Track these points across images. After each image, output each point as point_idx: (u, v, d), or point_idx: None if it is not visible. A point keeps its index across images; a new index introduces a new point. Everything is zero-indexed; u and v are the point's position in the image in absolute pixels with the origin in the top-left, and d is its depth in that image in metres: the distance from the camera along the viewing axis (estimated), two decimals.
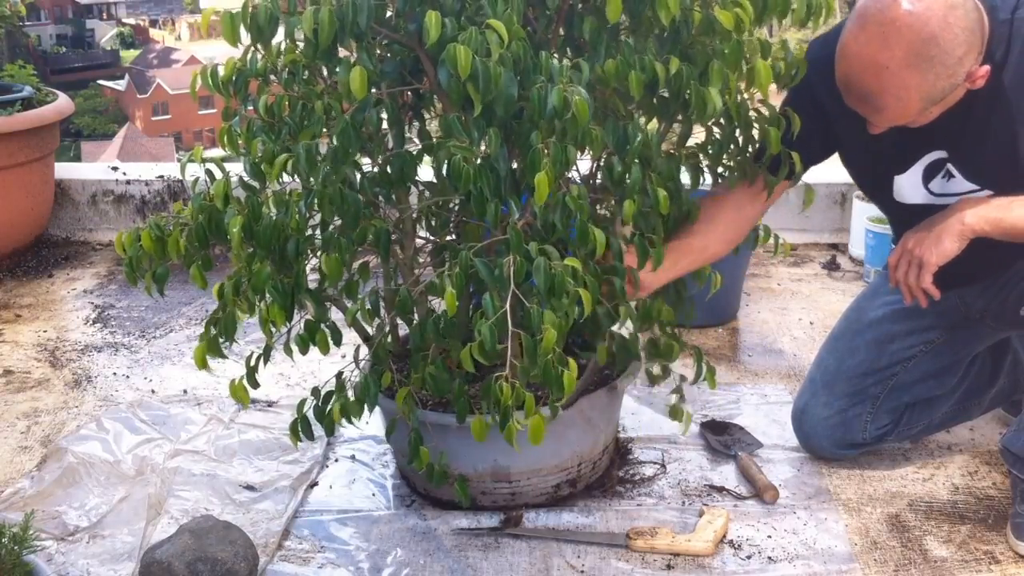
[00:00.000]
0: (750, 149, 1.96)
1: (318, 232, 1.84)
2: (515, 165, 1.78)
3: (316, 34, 1.63)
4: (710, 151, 1.97)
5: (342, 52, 1.80)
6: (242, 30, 1.74)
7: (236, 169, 1.85)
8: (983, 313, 2.09)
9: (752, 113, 1.91)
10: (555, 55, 1.76)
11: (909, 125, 1.79)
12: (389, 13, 1.79)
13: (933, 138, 1.87)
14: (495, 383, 1.67)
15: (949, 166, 1.89)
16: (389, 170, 1.83)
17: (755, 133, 1.93)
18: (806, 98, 1.93)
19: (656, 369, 2.18)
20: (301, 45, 1.75)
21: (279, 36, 1.76)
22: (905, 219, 1.95)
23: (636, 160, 1.74)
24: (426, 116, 1.97)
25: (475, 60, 1.57)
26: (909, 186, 1.95)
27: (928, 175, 1.92)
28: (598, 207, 1.98)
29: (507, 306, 1.64)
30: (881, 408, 2.17)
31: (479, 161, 1.67)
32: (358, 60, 1.68)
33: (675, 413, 2.18)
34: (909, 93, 1.69)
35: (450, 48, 1.56)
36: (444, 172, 1.68)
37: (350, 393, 1.88)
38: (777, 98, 1.96)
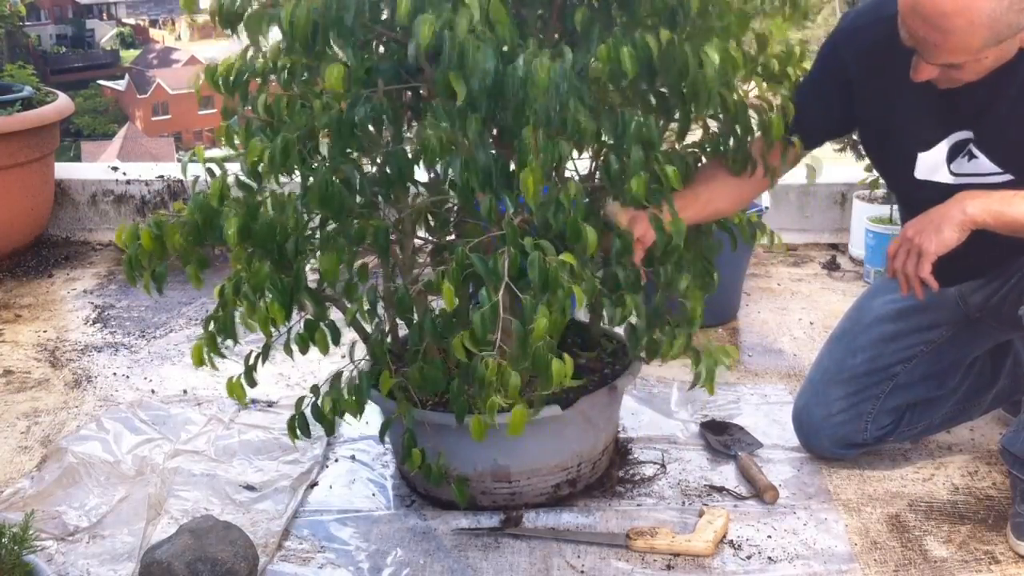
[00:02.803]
0: (749, 140, 1.96)
1: (318, 232, 1.84)
2: (514, 166, 1.78)
3: (292, 28, 1.64)
4: (707, 148, 1.97)
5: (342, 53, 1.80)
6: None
7: (236, 169, 1.85)
8: (982, 311, 2.08)
9: (752, 111, 1.91)
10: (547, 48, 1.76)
11: (956, 76, 1.75)
12: (386, 15, 1.79)
13: (962, 116, 1.86)
14: (480, 361, 1.65)
15: (972, 147, 1.88)
16: (388, 170, 1.83)
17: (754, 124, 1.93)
18: (834, 69, 1.94)
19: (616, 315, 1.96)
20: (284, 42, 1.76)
21: (278, 35, 1.77)
22: (920, 199, 1.93)
23: (636, 144, 1.73)
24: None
25: (441, 33, 1.56)
26: (931, 165, 1.94)
27: (952, 155, 1.91)
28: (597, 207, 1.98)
29: (499, 297, 1.64)
30: (882, 408, 2.17)
31: (464, 156, 1.67)
32: (347, 57, 1.69)
33: (651, 347, 2.04)
34: (981, 18, 1.64)
35: (417, 20, 1.56)
36: (422, 157, 1.69)
37: (344, 389, 1.88)
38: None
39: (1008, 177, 1.86)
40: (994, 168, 1.86)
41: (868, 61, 1.89)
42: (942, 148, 1.91)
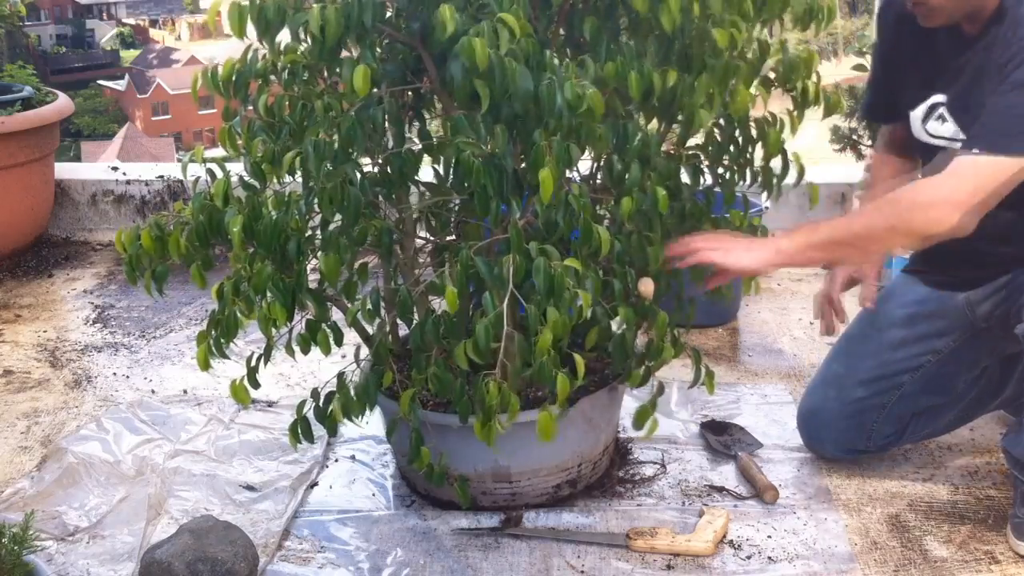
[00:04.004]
0: (750, 150, 1.96)
1: (319, 232, 1.84)
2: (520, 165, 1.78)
3: (323, 31, 1.63)
4: (710, 151, 1.97)
5: (344, 52, 1.79)
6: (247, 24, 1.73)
7: (237, 169, 1.85)
8: (989, 321, 2.05)
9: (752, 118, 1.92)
10: (555, 55, 1.76)
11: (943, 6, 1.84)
12: (389, 13, 1.79)
13: (941, 80, 1.95)
14: (482, 382, 1.67)
15: (943, 110, 1.96)
16: (389, 170, 1.83)
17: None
18: (884, 35, 2.12)
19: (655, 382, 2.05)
20: (306, 44, 1.74)
21: (282, 35, 1.76)
22: (920, 154, 2.06)
23: (635, 159, 1.74)
24: (426, 116, 1.97)
25: (491, 54, 1.56)
26: (916, 124, 2.03)
27: (926, 115, 2.00)
28: (598, 207, 1.98)
29: (504, 305, 1.64)
30: (887, 418, 2.14)
31: (482, 159, 1.67)
32: (361, 58, 1.68)
33: (641, 415, 2.01)
34: None
35: (464, 41, 1.55)
36: (452, 169, 1.68)
37: (351, 391, 1.88)
38: (778, 103, 1.98)
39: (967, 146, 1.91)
40: (960, 135, 1.92)
41: (900, 22, 2.00)
42: (923, 108, 2.00)
